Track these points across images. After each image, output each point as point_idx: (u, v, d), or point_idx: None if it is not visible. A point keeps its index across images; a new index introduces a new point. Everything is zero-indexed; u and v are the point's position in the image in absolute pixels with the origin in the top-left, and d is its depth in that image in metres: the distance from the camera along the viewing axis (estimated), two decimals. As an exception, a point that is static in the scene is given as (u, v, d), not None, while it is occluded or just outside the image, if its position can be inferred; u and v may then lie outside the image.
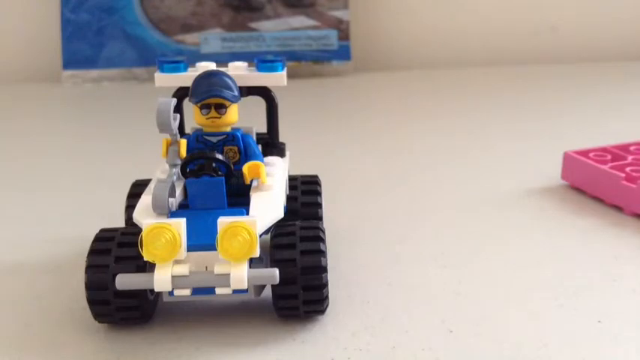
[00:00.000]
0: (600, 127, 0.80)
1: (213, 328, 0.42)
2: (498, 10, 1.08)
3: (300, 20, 1.03)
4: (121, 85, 1.02)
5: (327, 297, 0.42)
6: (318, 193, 0.50)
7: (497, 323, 0.42)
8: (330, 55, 1.03)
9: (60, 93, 1.00)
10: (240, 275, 0.38)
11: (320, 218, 0.49)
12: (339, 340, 0.41)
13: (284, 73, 0.46)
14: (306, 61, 1.04)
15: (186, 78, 0.45)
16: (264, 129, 0.50)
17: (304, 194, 0.49)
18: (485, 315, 0.43)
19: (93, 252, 0.41)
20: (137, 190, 0.49)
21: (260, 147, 0.47)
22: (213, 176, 0.42)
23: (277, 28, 1.03)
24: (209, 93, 0.43)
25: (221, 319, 0.43)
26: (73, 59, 1.01)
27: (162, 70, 0.46)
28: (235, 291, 0.39)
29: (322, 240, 0.42)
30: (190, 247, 0.39)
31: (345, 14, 1.03)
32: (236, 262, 0.38)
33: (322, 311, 0.42)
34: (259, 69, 0.46)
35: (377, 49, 1.06)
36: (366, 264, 0.50)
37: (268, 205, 0.42)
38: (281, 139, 0.50)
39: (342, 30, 1.03)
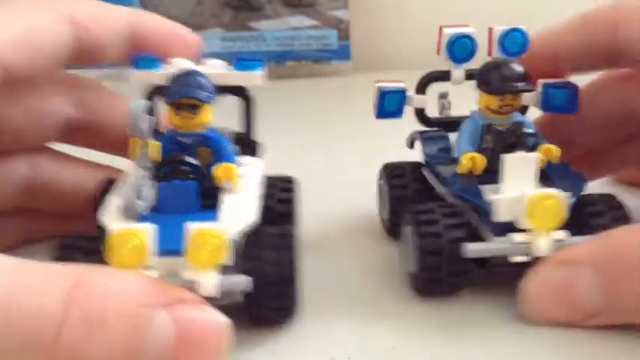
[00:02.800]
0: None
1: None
2: (499, 10, 1.08)
3: (300, 20, 1.03)
4: (121, 84, 1.02)
5: (297, 304, 0.42)
6: (293, 196, 0.50)
7: (497, 322, 0.42)
8: (330, 54, 1.03)
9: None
10: (210, 282, 0.38)
11: (294, 221, 0.49)
12: (339, 340, 0.41)
13: (262, 72, 0.46)
14: (306, 60, 1.03)
15: (161, 75, 0.44)
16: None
17: (279, 197, 0.49)
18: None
19: (60, 259, 0.40)
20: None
21: (236, 147, 0.47)
22: (184, 179, 0.41)
23: (277, 27, 1.03)
24: (182, 93, 0.42)
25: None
26: (72, 59, 1.01)
27: (137, 67, 0.46)
28: (206, 298, 0.38)
29: (292, 247, 0.41)
30: (160, 253, 0.38)
31: (345, 14, 1.03)
32: (205, 269, 0.38)
33: (292, 316, 0.42)
34: (236, 68, 0.46)
35: (377, 49, 1.06)
36: (364, 264, 0.49)
37: (240, 209, 0.41)
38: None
39: (342, 30, 1.03)
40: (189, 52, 0.49)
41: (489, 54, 0.49)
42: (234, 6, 1.03)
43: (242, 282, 0.39)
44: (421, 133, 0.52)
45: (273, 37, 1.03)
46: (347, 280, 0.48)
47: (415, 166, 0.52)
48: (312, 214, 0.57)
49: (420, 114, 0.51)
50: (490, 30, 0.49)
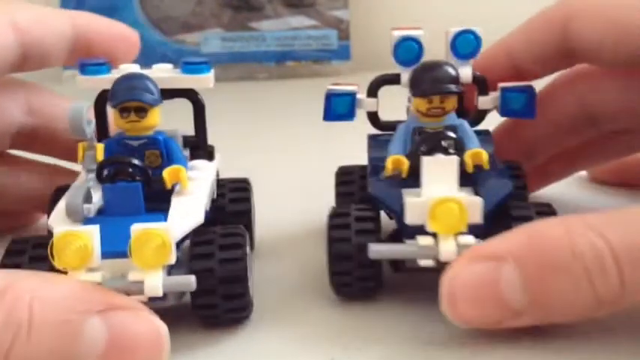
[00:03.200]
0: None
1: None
2: (498, 11, 1.07)
3: (300, 20, 1.03)
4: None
5: (249, 305, 0.42)
6: (248, 198, 0.49)
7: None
8: (330, 54, 1.03)
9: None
10: (155, 282, 0.37)
11: (249, 223, 0.49)
12: (339, 340, 0.41)
13: (210, 75, 0.46)
14: (306, 60, 1.03)
15: (108, 80, 0.44)
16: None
17: (232, 199, 0.49)
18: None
19: (3, 266, 0.40)
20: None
21: (187, 151, 0.46)
22: (129, 181, 0.41)
23: (277, 27, 1.03)
24: (127, 96, 0.42)
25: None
26: (73, 59, 1.02)
27: (84, 73, 0.45)
28: (153, 299, 0.38)
29: (243, 246, 0.41)
30: (105, 254, 0.38)
31: (344, 14, 1.03)
32: (150, 270, 0.38)
33: (246, 317, 0.42)
34: (184, 71, 0.45)
35: (376, 49, 1.06)
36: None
37: (188, 210, 0.41)
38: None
39: (342, 30, 1.03)
40: (133, 51, 0.49)
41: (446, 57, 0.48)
42: (234, 6, 1.03)
43: (187, 281, 0.38)
44: (371, 137, 0.51)
45: (273, 37, 1.03)
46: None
47: (365, 169, 0.51)
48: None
49: (373, 117, 0.50)
50: (446, 32, 0.48)
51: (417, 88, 0.45)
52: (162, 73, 0.45)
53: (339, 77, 1.02)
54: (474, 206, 0.40)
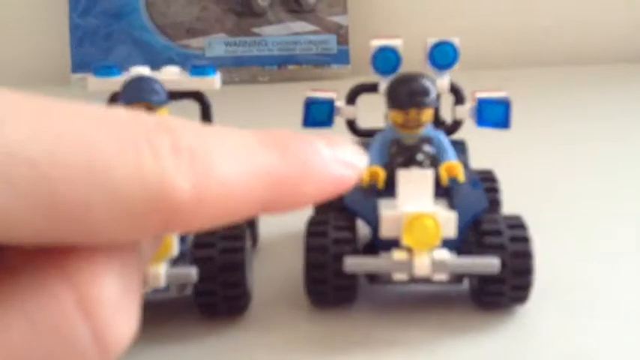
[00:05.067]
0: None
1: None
2: (493, 15, 1.09)
3: (300, 25, 1.05)
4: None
5: (247, 294, 0.43)
6: None
7: (497, 323, 0.43)
8: (329, 59, 1.06)
9: (69, 95, 1.03)
10: (157, 273, 0.39)
11: (252, 219, 0.50)
12: (339, 336, 0.42)
13: (216, 77, 0.47)
14: (307, 64, 1.06)
15: (119, 82, 0.46)
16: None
17: None
18: (487, 314, 0.44)
19: None
20: None
21: None
22: None
23: (279, 33, 1.05)
24: (135, 97, 0.44)
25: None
26: (81, 63, 1.04)
27: (96, 75, 0.47)
28: (155, 290, 0.40)
29: (244, 237, 0.43)
30: None
31: (344, 19, 1.05)
32: (154, 261, 0.39)
33: (243, 308, 0.43)
34: (192, 73, 0.47)
35: (375, 54, 1.08)
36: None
37: None
38: None
39: (341, 35, 1.05)
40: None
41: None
42: (238, 12, 1.06)
43: (190, 272, 0.40)
44: None
45: (275, 42, 1.06)
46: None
47: None
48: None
49: (351, 125, 0.51)
50: (424, 42, 0.48)
51: (394, 100, 0.45)
52: (171, 76, 0.47)
53: (338, 81, 1.04)
54: (448, 221, 0.41)
